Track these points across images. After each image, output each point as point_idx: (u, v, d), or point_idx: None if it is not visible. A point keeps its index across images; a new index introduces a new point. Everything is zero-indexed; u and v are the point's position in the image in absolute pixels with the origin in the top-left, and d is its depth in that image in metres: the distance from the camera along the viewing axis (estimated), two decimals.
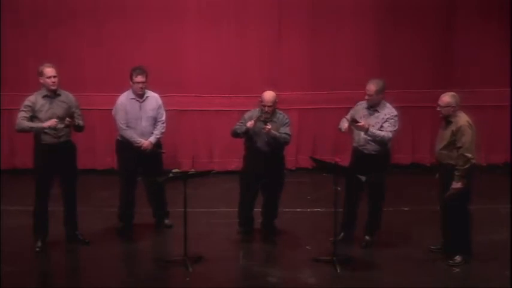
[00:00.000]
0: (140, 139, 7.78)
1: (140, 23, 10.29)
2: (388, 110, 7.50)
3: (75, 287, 7.00)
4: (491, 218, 8.27)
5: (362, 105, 7.60)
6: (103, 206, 8.87)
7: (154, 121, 7.90)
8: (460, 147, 6.87)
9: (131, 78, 7.78)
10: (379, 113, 7.47)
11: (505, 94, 10.56)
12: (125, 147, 7.85)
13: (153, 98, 7.92)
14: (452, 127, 6.94)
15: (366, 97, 7.48)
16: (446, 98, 7.02)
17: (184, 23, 10.37)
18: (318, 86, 10.56)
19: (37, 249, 7.44)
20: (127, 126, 7.80)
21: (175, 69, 10.32)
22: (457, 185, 6.88)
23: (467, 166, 6.84)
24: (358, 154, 7.51)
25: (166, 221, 8.18)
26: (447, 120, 7.02)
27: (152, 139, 7.82)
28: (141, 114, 7.82)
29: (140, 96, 7.82)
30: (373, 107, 7.48)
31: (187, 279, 6.87)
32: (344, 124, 7.53)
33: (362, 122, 7.28)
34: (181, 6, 10.33)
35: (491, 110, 10.58)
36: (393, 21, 10.52)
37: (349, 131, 7.51)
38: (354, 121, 7.32)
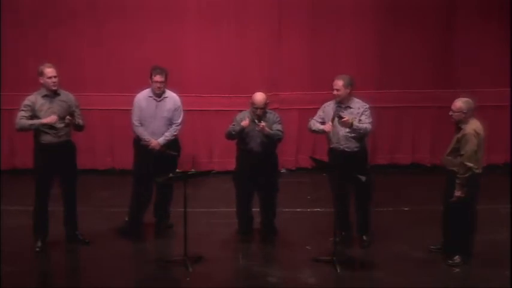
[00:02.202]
0: (149, 138, 7.76)
1: (140, 23, 10.29)
2: (360, 104, 7.52)
3: (75, 287, 7.01)
4: (491, 218, 8.25)
5: (330, 105, 7.58)
6: (103, 206, 8.88)
7: (170, 122, 7.85)
8: (462, 155, 6.84)
9: (150, 77, 7.77)
10: (352, 109, 7.47)
11: (505, 94, 10.56)
12: (141, 145, 7.83)
13: (172, 99, 7.87)
14: (459, 134, 6.91)
15: (335, 92, 7.46)
16: (459, 103, 6.95)
17: (184, 23, 10.37)
18: (318, 86, 10.54)
19: (37, 249, 7.44)
20: (140, 124, 7.79)
21: (175, 69, 10.23)
22: (457, 193, 6.85)
23: (467, 175, 6.80)
24: (338, 154, 7.47)
25: (167, 221, 8.16)
26: (458, 126, 6.97)
27: (161, 140, 7.78)
28: (156, 113, 7.79)
29: (158, 95, 7.80)
30: (344, 104, 7.47)
31: (187, 279, 6.87)
32: (317, 125, 7.52)
33: (346, 117, 7.27)
34: (181, 6, 10.33)
35: (491, 110, 10.55)
36: (393, 21, 10.52)
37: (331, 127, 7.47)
38: (339, 117, 7.30)
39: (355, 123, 7.30)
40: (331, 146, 7.57)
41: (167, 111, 7.83)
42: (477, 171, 6.83)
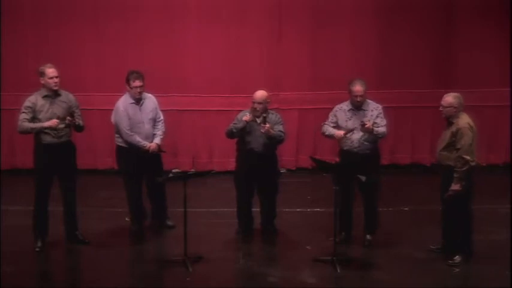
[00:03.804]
0: (146, 142, 7.74)
1: (140, 23, 10.30)
2: (374, 105, 7.52)
3: (75, 287, 7.01)
4: (491, 218, 8.26)
5: (342, 108, 7.56)
6: (103, 206, 8.88)
7: (154, 122, 7.87)
8: (459, 149, 6.86)
9: (128, 83, 7.71)
10: (366, 111, 7.47)
11: (505, 94, 10.57)
12: (127, 151, 7.80)
13: (150, 100, 7.88)
14: (453, 128, 6.93)
15: (358, 98, 7.42)
16: (449, 98, 6.99)
17: (185, 23, 10.39)
18: (318, 86, 10.57)
19: (37, 249, 7.43)
20: (132, 132, 7.76)
21: (175, 69, 10.33)
22: (455, 186, 6.86)
23: (465, 168, 6.82)
24: (350, 156, 7.44)
25: (169, 223, 8.07)
26: (449, 121, 7.01)
27: (158, 140, 7.80)
28: (142, 117, 7.78)
29: (138, 100, 7.79)
30: (358, 107, 7.47)
31: (187, 279, 6.87)
32: (330, 130, 7.48)
33: (368, 123, 7.27)
34: (181, 6, 10.34)
35: (491, 110, 10.58)
36: (393, 21, 10.53)
37: (346, 135, 7.45)
38: (362, 124, 7.29)
39: (375, 128, 7.31)
40: (344, 148, 7.53)
41: (151, 112, 7.83)
42: (473, 163, 6.87)
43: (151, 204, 8.14)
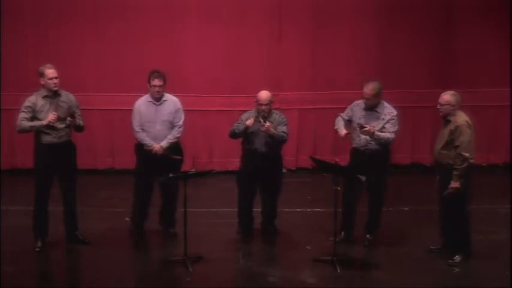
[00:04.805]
0: (152, 142, 7.69)
1: (140, 23, 10.30)
2: (388, 110, 7.47)
3: (75, 287, 7.01)
4: (491, 218, 8.27)
5: (359, 105, 7.55)
6: (103, 206, 8.88)
7: (171, 125, 7.77)
8: (458, 147, 6.87)
9: (149, 82, 7.71)
10: (379, 114, 7.44)
11: (505, 94, 10.57)
12: (142, 150, 7.77)
13: (171, 102, 7.81)
14: (451, 126, 6.94)
15: (364, 100, 7.45)
16: (447, 96, 7.01)
17: (185, 23, 10.39)
18: (318, 86, 10.58)
19: (37, 249, 7.43)
20: (141, 129, 7.73)
21: (175, 69, 10.28)
22: (455, 184, 6.87)
23: (464, 165, 6.83)
24: (359, 155, 7.48)
25: (171, 230, 7.94)
26: (446, 119, 7.02)
27: (164, 143, 7.69)
28: (156, 117, 7.72)
29: (157, 99, 7.75)
30: (372, 108, 7.46)
31: (187, 279, 6.87)
32: (341, 128, 7.49)
33: (368, 127, 7.26)
34: (181, 6, 10.35)
35: (491, 110, 10.59)
36: (393, 21, 10.54)
37: (345, 136, 7.45)
38: (360, 127, 7.29)
39: (377, 132, 7.27)
40: (353, 146, 7.56)
41: (167, 114, 7.75)
42: (472, 161, 6.88)
43: (162, 209, 8.01)
